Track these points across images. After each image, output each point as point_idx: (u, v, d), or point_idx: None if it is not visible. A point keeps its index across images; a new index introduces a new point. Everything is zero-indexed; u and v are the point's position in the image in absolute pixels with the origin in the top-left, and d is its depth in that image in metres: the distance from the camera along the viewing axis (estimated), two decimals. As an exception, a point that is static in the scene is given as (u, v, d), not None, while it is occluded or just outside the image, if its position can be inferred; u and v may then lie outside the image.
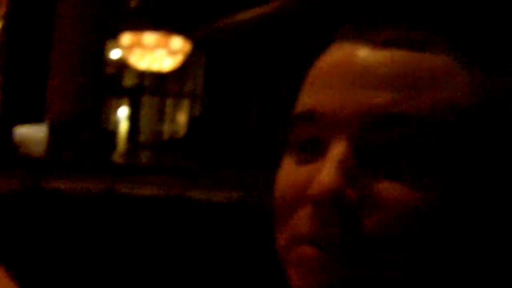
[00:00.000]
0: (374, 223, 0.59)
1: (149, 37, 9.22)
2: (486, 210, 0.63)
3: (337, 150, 0.60)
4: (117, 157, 9.06)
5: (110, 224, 1.29)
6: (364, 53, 0.63)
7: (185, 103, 14.86)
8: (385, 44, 0.63)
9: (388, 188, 0.59)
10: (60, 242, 1.30)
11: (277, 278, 0.68)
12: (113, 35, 9.52)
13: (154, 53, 9.40)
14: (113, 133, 11.74)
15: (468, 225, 0.62)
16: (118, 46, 10.28)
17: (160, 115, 15.47)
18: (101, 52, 8.07)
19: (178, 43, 9.52)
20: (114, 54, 13.16)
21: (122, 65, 13.42)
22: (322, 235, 0.60)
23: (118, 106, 15.25)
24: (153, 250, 1.26)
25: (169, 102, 15.44)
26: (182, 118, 14.58)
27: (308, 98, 0.65)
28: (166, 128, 15.15)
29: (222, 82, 12.25)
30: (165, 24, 9.58)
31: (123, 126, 14.57)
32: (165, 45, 9.38)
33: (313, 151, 0.64)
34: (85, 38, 7.64)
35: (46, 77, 7.83)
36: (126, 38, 9.33)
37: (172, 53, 9.61)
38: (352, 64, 0.63)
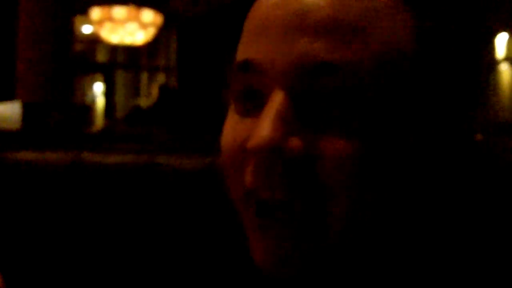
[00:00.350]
0: (319, 175, 0.59)
1: (119, 11, 9.12)
2: (423, 153, 0.63)
3: (275, 101, 0.59)
4: (93, 130, 9.01)
5: (77, 194, 1.28)
6: None
7: (160, 77, 14.79)
8: None
9: (329, 140, 0.59)
10: (24, 213, 1.28)
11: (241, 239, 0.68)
12: (82, 11, 9.41)
13: (126, 26, 9.31)
14: (89, 108, 11.66)
15: (405, 170, 0.62)
16: (88, 21, 10.16)
17: (135, 89, 15.40)
18: (70, 28, 7.98)
19: (149, 16, 9.43)
20: (86, 29, 13.04)
21: (94, 41, 13.32)
22: (266, 188, 0.59)
23: (93, 83, 15.18)
24: (122, 217, 1.25)
25: (143, 76, 15.36)
26: (156, 91, 14.53)
27: (245, 48, 0.64)
28: (142, 102, 15.09)
29: (195, 55, 12.18)
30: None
31: (99, 101, 14.51)
32: (136, 19, 9.29)
33: (254, 102, 0.63)
34: (52, 14, 7.54)
35: (14, 55, 7.74)
36: (96, 12, 9.22)
37: (144, 26, 9.52)
38: (288, 9, 0.61)
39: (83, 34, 13.30)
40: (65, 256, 1.28)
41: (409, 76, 0.61)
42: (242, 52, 0.64)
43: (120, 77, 15.26)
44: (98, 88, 14.81)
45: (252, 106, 0.63)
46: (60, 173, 1.35)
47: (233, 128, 0.65)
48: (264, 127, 0.58)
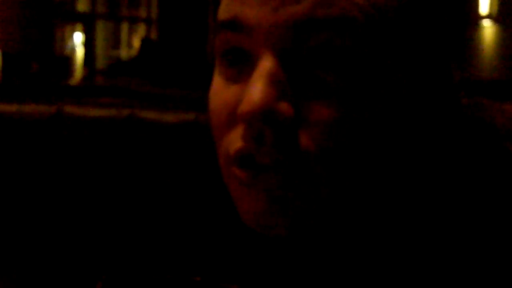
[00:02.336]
0: (307, 139, 0.58)
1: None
2: (408, 115, 0.63)
3: (265, 64, 0.59)
4: (73, 83, 8.95)
5: (58, 147, 1.27)
6: None
7: (141, 28, 14.67)
8: None
9: (318, 105, 0.58)
10: (3, 167, 1.27)
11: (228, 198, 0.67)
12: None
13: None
14: (69, 59, 11.55)
15: (392, 133, 0.62)
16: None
17: (116, 40, 15.27)
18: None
19: (131, -35, 9.31)
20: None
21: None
22: (255, 153, 0.59)
23: (73, 33, 15.02)
24: (103, 171, 1.25)
25: (124, 27, 15.22)
26: (138, 43, 14.43)
27: (231, 5, 0.62)
28: (123, 53, 14.99)
29: (177, 6, 12.06)
30: None
31: (79, 52, 14.38)
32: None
33: (242, 65, 0.61)
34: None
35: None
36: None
37: (125, -24, 9.40)
38: None
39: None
40: (46, 209, 1.27)
41: (394, 32, 0.60)
42: (228, 10, 0.62)
43: (100, 28, 15.11)
44: (78, 38, 14.66)
45: (240, 69, 0.62)
46: (40, 126, 1.34)
47: (220, 93, 0.63)
48: (255, 91, 0.57)
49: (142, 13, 14.47)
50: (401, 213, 0.64)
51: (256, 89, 0.58)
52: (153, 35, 13.44)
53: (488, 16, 8.99)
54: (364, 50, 0.59)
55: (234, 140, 0.61)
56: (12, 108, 1.36)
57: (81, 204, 1.26)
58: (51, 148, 1.29)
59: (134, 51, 14.19)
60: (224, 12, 0.63)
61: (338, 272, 0.65)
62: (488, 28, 9.06)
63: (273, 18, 0.59)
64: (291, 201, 0.60)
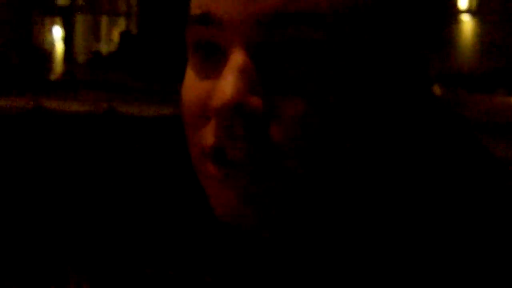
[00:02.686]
0: (278, 134, 0.59)
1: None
2: (380, 106, 0.63)
3: (236, 58, 0.59)
4: (53, 77, 8.89)
5: (38, 141, 1.27)
6: None
7: (121, 22, 14.60)
8: None
9: (286, 100, 0.59)
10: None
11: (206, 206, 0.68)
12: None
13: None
14: (48, 53, 11.48)
15: (363, 125, 0.62)
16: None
17: (96, 34, 15.19)
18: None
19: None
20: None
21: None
22: (227, 147, 0.59)
23: (52, 27, 14.91)
24: (83, 166, 1.25)
25: (104, 20, 15.14)
26: (117, 37, 14.36)
27: (201, 0, 0.62)
28: (103, 47, 14.91)
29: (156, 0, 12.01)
30: None
31: (59, 46, 14.28)
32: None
33: (214, 58, 0.61)
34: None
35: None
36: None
37: (104, -31, 9.35)
38: None
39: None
40: (23, 204, 1.28)
41: (366, 25, 0.60)
42: (199, 5, 0.62)
43: (80, 22, 15.02)
44: (57, 32, 14.56)
45: (212, 63, 0.62)
46: (20, 119, 1.34)
47: (193, 87, 0.63)
48: (226, 85, 0.58)
49: (122, 6, 14.40)
50: (375, 206, 0.65)
51: (227, 83, 0.58)
52: (133, 29, 13.38)
53: (468, 11, 9.04)
54: (334, 44, 0.59)
55: (206, 136, 0.61)
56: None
57: (59, 198, 1.26)
58: (30, 142, 1.29)
59: (114, 45, 14.13)
60: (195, 6, 0.63)
61: (313, 268, 0.66)
62: (467, 23, 9.11)
63: (244, 12, 0.59)
64: (263, 197, 0.60)
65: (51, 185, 1.24)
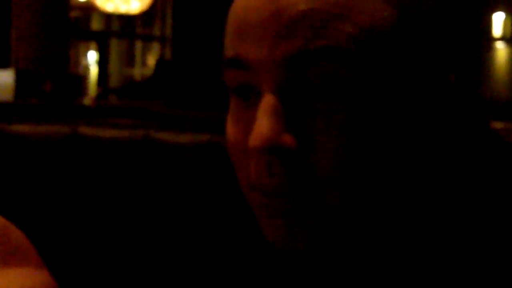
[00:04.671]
0: (314, 166, 0.62)
1: (115, -21, 9.07)
2: (413, 129, 0.64)
3: (268, 99, 0.62)
4: (87, 101, 8.99)
5: (73, 168, 1.27)
6: None
7: (155, 46, 14.74)
8: None
9: (322, 129, 0.62)
10: (18, 188, 1.27)
11: (246, 219, 0.70)
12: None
13: (121, -5, 9.26)
14: (83, 78, 11.61)
15: (403, 156, 0.64)
16: (84, -11, 10.10)
17: (130, 59, 15.36)
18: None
19: (145, -16, 9.38)
20: (80, -3, 12.96)
21: (88, 8, 13.23)
22: (268, 182, 0.63)
23: (87, 51, 15.11)
24: (118, 193, 1.24)
25: (138, 45, 15.31)
26: (152, 61, 14.49)
27: (233, 44, 0.66)
28: (137, 71, 15.07)
29: (191, 24, 12.11)
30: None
31: (93, 70, 14.46)
32: (131, -13, 9.24)
33: (250, 99, 0.66)
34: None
35: (9, 22, 7.69)
36: (91, -20, 9.15)
37: (139, -6, 9.47)
38: (263, 11, 0.63)
39: (78, 1, 13.22)
40: (61, 230, 1.27)
41: (390, 54, 0.62)
42: (230, 47, 0.66)
43: (114, 46, 15.20)
44: (92, 56, 14.75)
45: (249, 103, 0.66)
46: (55, 147, 1.34)
47: (235, 124, 0.68)
48: (261, 127, 0.61)
49: (156, 31, 14.55)
50: (415, 229, 0.66)
51: (260, 125, 0.61)
52: (167, 54, 13.50)
53: (502, 38, 8.99)
54: (358, 76, 0.61)
55: (249, 170, 0.65)
56: (26, 128, 1.36)
57: (97, 226, 1.25)
58: (66, 169, 1.29)
59: (148, 70, 14.26)
60: (227, 49, 0.67)
61: (355, 285, 0.68)
62: (501, 50, 9.06)
63: (269, 54, 0.62)
64: (309, 223, 0.63)
65: (90, 211, 1.23)
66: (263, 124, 0.61)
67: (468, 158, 0.68)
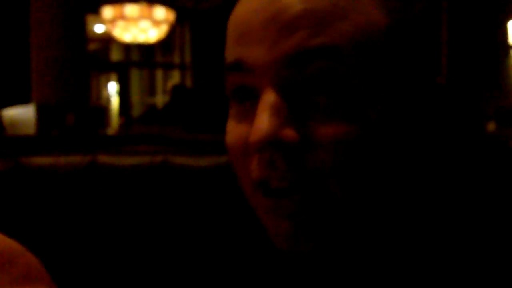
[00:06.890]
0: (316, 159, 0.63)
1: (131, 9, 9.15)
2: (410, 127, 0.66)
3: (268, 96, 0.64)
4: (110, 132, 9.04)
5: (93, 196, 1.28)
6: None
7: (176, 74, 14.83)
8: None
9: (319, 126, 0.63)
10: (42, 219, 1.29)
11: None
12: (94, 10, 9.44)
13: (138, 24, 9.33)
14: (105, 109, 11.70)
15: (401, 148, 0.65)
16: (101, 20, 10.19)
17: (151, 87, 15.44)
18: (82, 28, 8.00)
19: (162, 13, 9.45)
20: (98, 29, 13.08)
21: (107, 40, 13.35)
22: (270, 176, 0.64)
23: (108, 82, 15.22)
24: (139, 219, 1.25)
25: (159, 74, 15.40)
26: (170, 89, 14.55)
27: (233, 49, 0.68)
28: (158, 100, 15.15)
29: (210, 50, 12.18)
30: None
31: (115, 101, 14.55)
32: (148, 16, 9.31)
33: (249, 101, 0.67)
34: (64, 14, 7.57)
35: (28, 58, 7.78)
36: (108, 11, 9.24)
37: (157, 23, 9.54)
38: (264, 13, 0.65)
39: (96, 33, 13.34)
40: (84, 259, 1.28)
41: (385, 53, 0.64)
42: (231, 53, 0.68)
43: (135, 76, 15.30)
44: (113, 87, 14.85)
45: (248, 106, 0.67)
46: (76, 177, 1.35)
47: (234, 130, 0.69)
48: (261, 123, 0.62)
49: (176, 59, 14.64)
50: (415, 230, 0.67)
51: (261, 121, 0.63)
52: (188, 81, 13.57)
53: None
54: (354, 73, 0.63)
55: (251, 170, 0.66)
56: (48, 161, 1.37)
57: (119, 254, 1.26)
58: (86, 197, 1.31)
59: (168, 98, 14.32)
60: (228, 55, 0.69)
61: (359, 283, 0.70)
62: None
63: (270, 55, 0.64)
64: (314, 222, 0.65)
65: (111, 239, 1.25)
66: (263, 119, 0.63)
67: (458, 156, 0.69)
